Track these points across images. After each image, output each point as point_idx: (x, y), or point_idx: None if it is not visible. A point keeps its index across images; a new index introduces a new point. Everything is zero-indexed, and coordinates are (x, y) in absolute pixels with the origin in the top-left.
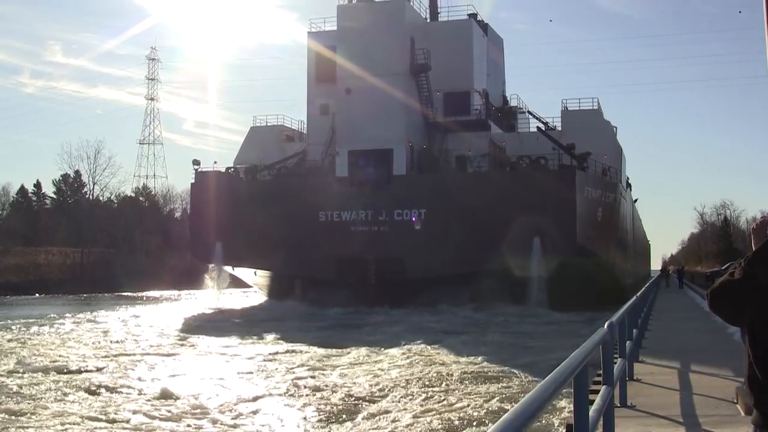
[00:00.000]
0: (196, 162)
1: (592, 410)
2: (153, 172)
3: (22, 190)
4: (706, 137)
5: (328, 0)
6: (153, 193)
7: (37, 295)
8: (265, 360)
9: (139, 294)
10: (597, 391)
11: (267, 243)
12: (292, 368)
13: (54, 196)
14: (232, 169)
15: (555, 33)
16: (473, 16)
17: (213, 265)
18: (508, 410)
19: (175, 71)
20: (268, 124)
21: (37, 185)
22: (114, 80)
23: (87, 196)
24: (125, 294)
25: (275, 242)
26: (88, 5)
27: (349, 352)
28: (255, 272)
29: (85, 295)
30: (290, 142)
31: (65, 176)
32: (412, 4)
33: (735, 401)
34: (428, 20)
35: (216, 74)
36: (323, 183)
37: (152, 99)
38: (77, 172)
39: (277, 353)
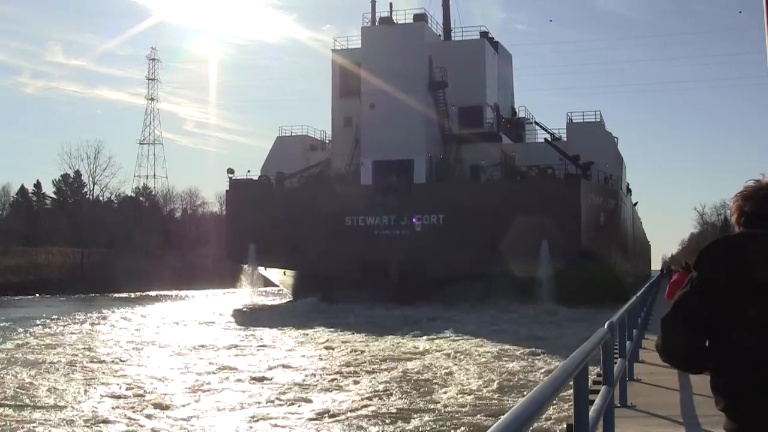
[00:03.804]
0: (230, 170)
1: (592, 410)
2: (153, 172)
3: (22, 190)
4: (706, 137)
5: (327, 2)
6: (153, 193)
7: (37, 295)
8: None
9: (141, 294)
10: (597, 391)
11: (297, 245)
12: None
13: (54, 196)
14: (264, 177)
15: (555, 33)
16: (485, 34)
17: (247, 265)
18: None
19: (175, 71)
20: (293, 134)
21: (37, 185)
22: (114, 80)
23: (87, 196)
24: (128, 295)
25: (304, 244)
26: (88, 5)
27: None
28: (284, 272)
29: (84, 295)
30: (314, 151)
31: (65, 176)
32: (429, 25)
33: None
34: (442, 38)
35: (216, 74)
36: (349, 190)
37: (152, 99)
38: (77, 172)
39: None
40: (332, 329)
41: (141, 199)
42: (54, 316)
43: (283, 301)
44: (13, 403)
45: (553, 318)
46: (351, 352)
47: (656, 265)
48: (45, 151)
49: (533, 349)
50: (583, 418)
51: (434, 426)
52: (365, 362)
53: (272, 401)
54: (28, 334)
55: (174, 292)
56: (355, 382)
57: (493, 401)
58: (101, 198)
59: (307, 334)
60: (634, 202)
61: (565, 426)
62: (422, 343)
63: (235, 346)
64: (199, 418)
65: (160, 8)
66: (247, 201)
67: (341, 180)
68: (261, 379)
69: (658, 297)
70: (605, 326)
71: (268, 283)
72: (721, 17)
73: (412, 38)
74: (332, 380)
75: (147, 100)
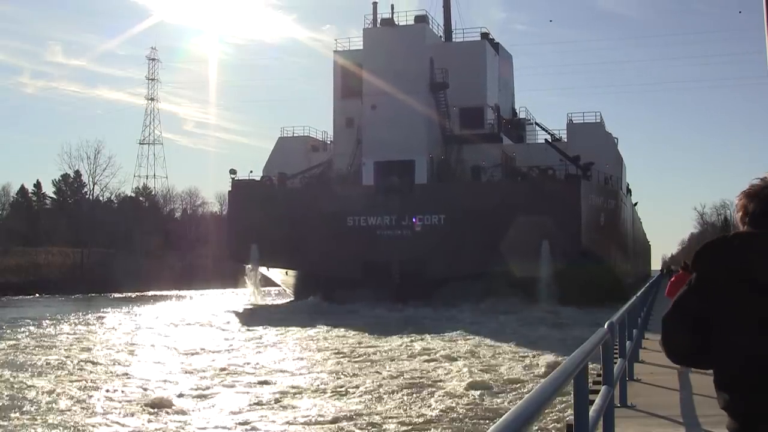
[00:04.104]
0: (232, 171)
1: (592, 410)
2: (153, 172)
3: (22, 190)
4: (707, 137)
5: (327, 2)
6: (153, 193)
7: (37, 295)
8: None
9: (141, 294)
10: (597, 391)
11: (298, 245)
12: None
13: (54, 196)
14: (266, 178)
15: (555, 33)
16: (485, 35)
17: (249, 265)
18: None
19: (175, 71)
20: (295, 135)
21: (37, 185)
22: (114, 80)
23: (87, 196)
24: (128, 295)
25: (306, 244)
26: (88, 5)
27: None
28: (286, 272)
29: (83, 295)
30: (316, 152)
31: (65, 176)
32: (430, 26)
33: None
34: (443, 39)
35: (216, 74)
36: (350, 191)
37: (152, 99)
38: (77, 173)
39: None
40: (334, 329)
41: (141, 199)
42: (53, 317)
43: (285, 301)
44: (11, 404)
45: (554, 318)
46: (352, 352)
47: (656, 265)
48: (45, 151)
49: (533, 349)
50: (583, 418)
51: (434, 427)
52: (366, 363)
53: (271, 403)
54: (25, 335)
55: (174, 293)
56: (356, 384)
57: (493, 402)
58: (101, 198)
59: (309, 335)
60: (634, 202)
61: (565, 426)
62: (423, 344)
63: (236, 347)
64: (198, 421)
65: (160, 8)
66: (250, 201)
67: (343, 180)
68: (261, 381)
69: (658, 297)
70: (605, 326)
71: (269, 283)
72: (721, 17)
73: (413, 39)
74: (333, 382)
75: (147, 100)
